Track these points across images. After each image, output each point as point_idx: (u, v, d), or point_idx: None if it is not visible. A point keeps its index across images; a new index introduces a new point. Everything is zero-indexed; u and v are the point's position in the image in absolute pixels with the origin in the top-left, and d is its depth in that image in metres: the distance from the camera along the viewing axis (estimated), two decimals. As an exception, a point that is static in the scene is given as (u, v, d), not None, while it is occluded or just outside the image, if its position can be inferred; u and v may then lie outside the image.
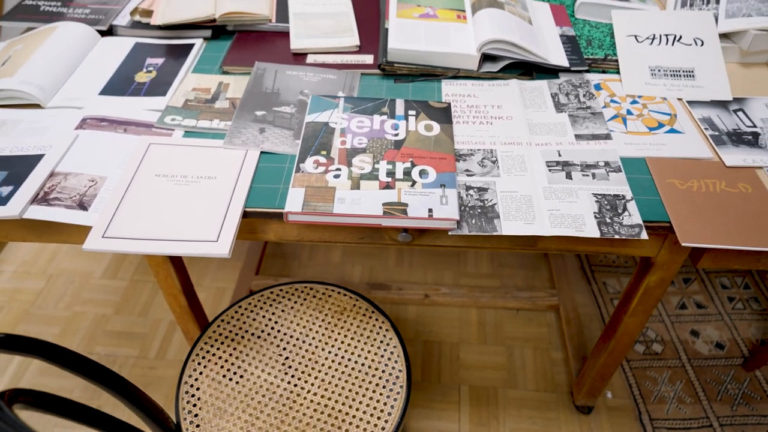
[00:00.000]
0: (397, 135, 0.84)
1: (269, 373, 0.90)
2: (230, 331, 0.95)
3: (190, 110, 0.90)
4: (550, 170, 0.81)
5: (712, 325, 1.49)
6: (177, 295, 1.02)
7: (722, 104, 0.93)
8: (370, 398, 0.86)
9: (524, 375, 1.39)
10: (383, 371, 0.90)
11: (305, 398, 0.87)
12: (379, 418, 0.84)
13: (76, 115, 0.90)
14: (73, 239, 0.82)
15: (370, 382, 0.88)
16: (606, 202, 0.76)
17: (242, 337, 0.94)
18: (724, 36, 1.03)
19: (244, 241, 1.71)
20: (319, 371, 0.90)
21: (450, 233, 0.73)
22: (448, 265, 1.67)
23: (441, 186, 0.76)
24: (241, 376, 0.89)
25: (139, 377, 1.39)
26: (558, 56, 0.99)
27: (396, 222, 0.73)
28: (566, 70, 0.99)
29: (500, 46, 0.94)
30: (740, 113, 0.91)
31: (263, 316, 0.98)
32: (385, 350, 0.92)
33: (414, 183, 0.77)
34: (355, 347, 0.93)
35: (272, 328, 0.96)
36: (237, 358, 0.92)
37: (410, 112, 0.88)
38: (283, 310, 0.98)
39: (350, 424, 0.84)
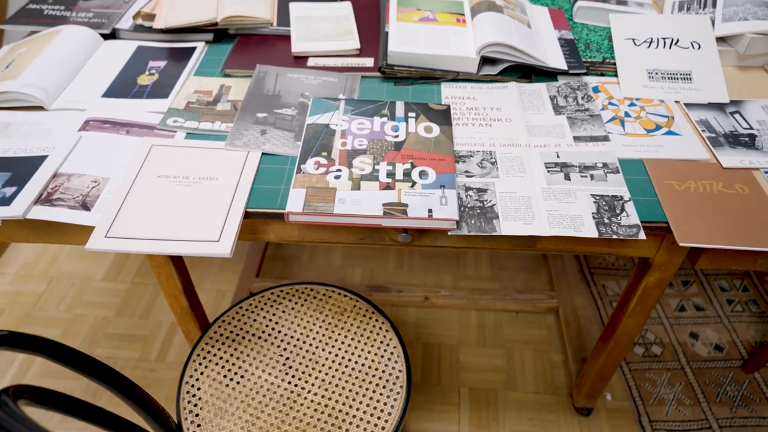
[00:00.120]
0: (397, 137, 0.85)
1: (270, 374, 0.90)
2: (231, 332, 0.96)
3: (192, 112, 0.91)
4: (548, 171, 0.82)
5: (711, 328, 1.50)
6: (178, 296, 1.03)
7: (719, 107, 0.94)
8: (371, 398, 0.87)
9: (524, 377, 1.39)
10: (383, 371, 0.90)
11: (306, 398, 0.87)
12: (379, 418, 0.85)
13: (79, 117, 0.91)
14: (76, 240, 0.83)
15: (370, 383, 0.89)
16: (604, 203, 0.77)
17: (243, 338, 0.95)
18: (720, 39, 1.04)
19: (244, 244, 1.71)
20: (320, 371, 0.90)
21: (449, 233, 0.74)
22: (448, 267, 1.68)
23: (441, 187, 0.77)
24: (242, 377, 0.90)
25: (139, 379, 1.40)
26: (556, 59, 1.00)
27: (396, 222, 0.74)
28: (565, 73, 1.00)
29: (499, 49, 0.95)
30: (737, 115, 0.92)
31: (264, 317, 0.98)
32: (385, 351, 0.93)
33: (414, 184, 0.77)
34: (356, 348, 0.94)
35: (273, 329, 0.96)
36: (238, 358, 0.92)
37: (410, 114, 0.89)
38: (283, 311, 0.99)
39: (350, 423, 0.84)
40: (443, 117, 0.89)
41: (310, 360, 0.92)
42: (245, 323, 0.97)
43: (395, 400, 0.87)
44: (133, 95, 0.95)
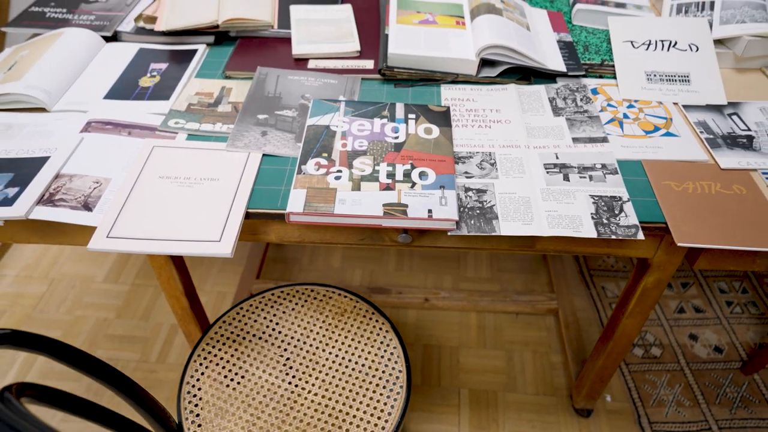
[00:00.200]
0: (397, 138, 0.85)
1: (270, 374, 0.90)
2: (232, 333, 0.96)
3: (193, 114, 0.92)
4: (547, 172, 0.82)
5: (710, 329, 1.50)
6: (179, 297, 1.03)
7: (717, 108, 0.94)
8: (371, 398, 0.87)
9: (524, 378, 1.40)
10: (383, 372, 0.90)
11: (306, 398, 0.87)
12: (379, 417, 0.85)
13: (81, 118, 0.92)
14: (78, 240, 0.83)
15: (370, 383, 0.89)
16: (603, 204, 0.77)
17: (243, 338, 0.95)
18: (718, 42, 1.05)
19: (244, 246, 1.72)
20: (320, 372, 0.91)
21: (449, 234, 0.74)
22: (448, 269, 1.68)
23: (440, 187, 0.78)
24: (243, 377, 0.90)
25: (140, 380, 1.40)
26: (555, 61, 1.01)
27: (396, 222, 0.74)
28: (564, 75, 1.00)
29: (499, 52, 0.96)
30: (735, 117, 0.92)
31: (264, 318, 0.98)
32: (385, 351, 0.93)
33: (414, 184, 0.78)
34: (356, 348, 0.94)
35: (273, 330, 0.97)
36: (238, 359, 0.92)
37: (410, 116, 0.89)
38: (284, 312, 0.99)
39: (350, 423, 0.84)
40: (443, 118, 0.89)
41: (310, 360, 0.92)
42: (246, 324, 0.98)
43: (395, 400, 0.87)
44: (135, 97, 0.96)
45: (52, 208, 0.76)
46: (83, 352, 0.65)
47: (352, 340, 0.95)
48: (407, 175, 0.79)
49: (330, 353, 0.93)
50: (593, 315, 1.55)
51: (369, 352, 0.93)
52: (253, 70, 1.00)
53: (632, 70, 1.00)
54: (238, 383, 0.89)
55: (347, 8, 1.16)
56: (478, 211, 0.76)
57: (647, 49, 1.03)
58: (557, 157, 0.85)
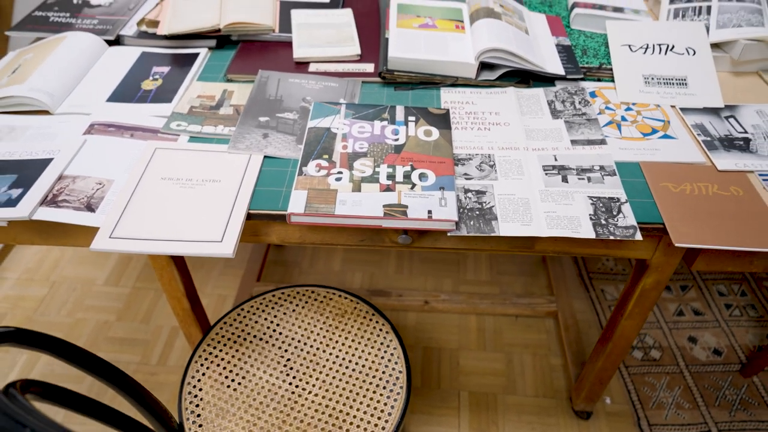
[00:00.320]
0: (397, 140, 0.86)
1: (271, 375, 0.91)
2: (233, 334, 0.97)
3: (195, 116, 0.93)
4: (546, 174, 0.83)
5: (709, 332, 1.51)
6: (180, 299, 1.04)
7: (714, 111, 0.95)
8: (371, 399, 0.88)
9: (523, 381, 1.40)
10: (383, 372, 0.91)
11: (306, 399, 0.88)
12: (379, 418, 0.85)
13: (84, 120, 0.93)
14: (80, 241, 0.84)
15: (370, 383, 0.90)
16: (601, 205, 0.78)
17: (244, 339, 0.96)
18: (715, 46, 1.06)
19: (245, 249, 1.72)
20: (320, 372, 0.91)
21: (449, 234, 0.75)
22: (448, 272, 1.69)
23: (440, 189, 0.78)
24: (244, 377, 0.90)
25: (140, 383, 1.40)
26: (554, 65, 1.02)
27: (396, 223, 0.75)
28: (562, 78, 1.01)
29: (498, 55, 0.97)
30: (732, 120, 0.93)
31: (265, 319, 0.99)
32: (385, 352, 0.94)
33: (414, 186, 0.79)
34: (356, 349, 0.94)
35: (274, 331, 0.97)
36: (239, 359, 0.93)
37: (410, 118, 0.90)
38: (284, 313, 1.00)
39: (351, 424, 0.85)
40: (443, 121, 0.90)
41: (310, 361, 0.93)
42: (246, 325, 0.98)
43: (395, 400, 0.87)
44: (137, 100, 0.97)
45: (56, 208, 0.77)
46: (85, 351, 0.66)
47: (353, 341, 0.95)
48: (407, 176, 0.80)
49: (330, 354, 0.94)
50: (593, 318, 1.55)
51: (369, 353, 0.94)
52: (255, 74, 1.01)
53: (630, 74, 1.01)
54: (239, 384, 0.90)
55: (348, 12, 1.17)
56: (477, 212, 0.77)
57: (645, 52, 1.04)
58: (556, 159, 0.86)
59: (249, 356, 0.93)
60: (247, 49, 1.08)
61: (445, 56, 0.98)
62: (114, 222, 0.75)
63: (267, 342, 0.95)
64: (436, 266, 1.70)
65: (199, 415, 0.86)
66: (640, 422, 1.31)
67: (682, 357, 1.44)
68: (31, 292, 1.61)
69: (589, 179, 0.82)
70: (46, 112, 0.95)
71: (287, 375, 0.91)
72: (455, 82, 1.00)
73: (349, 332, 0.97)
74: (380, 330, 0.97)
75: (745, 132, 0.91)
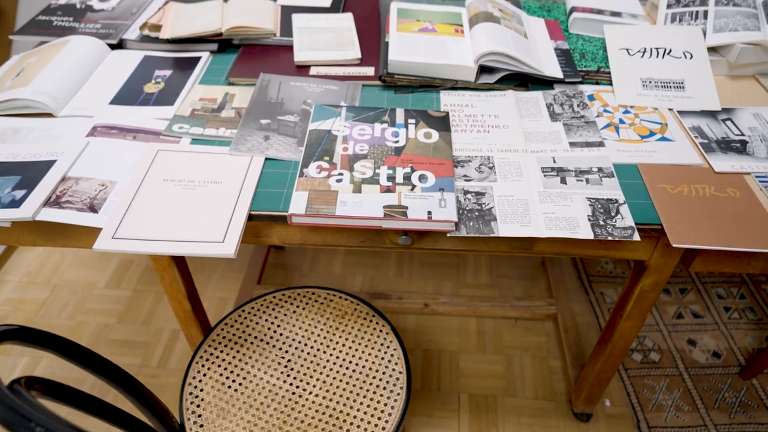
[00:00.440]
0: (397, 142, 0.87)
1: (272, 375, 0.91)
2: (233, 335, 0.97)
3: (197, 119, 0.94)
4: (545, 176, 0.84)
5: (708, 335, 1.51)
6: (182, 300, 1.04)
7: (711, 114, 0.96)
8: (371, 399, 0.88)
9: (523, 383, 1.40)
10: (383, 373, 0.91)
11: (307, 400, 0.88)
12: (379, 419, 0.86)
13: (87, 123, 0.93)
14: (83, 242, 0.84)
15: (370, 384, 0.90)
16: (599, 206, 0.79)
17: (245, 340, 0.96)
18: (712, 49, 1.07)
19: (246, 252, 1.73)
20: (321, 373, 0.92)
21: (448, 235, 0.76)
22: (448, 275, 1.69)
23: (440, 190, 0.79)
24: (244, 378, 0.91)
25: (141, 385, 1.40)
26: (552, 68, 1.03)
27: (396, 224, 0.76)
28: (561, 82, 1.02)
29: (497, 58, 0.98)
30: (728, 122, 0.94)
31: (266, 320, 0.99)
32: (385, 353, 0.94)
33: (414, 187, 0.79)
34: (356, 350, 0.95)
35: (275, 332, 0.98)
36: (240, 360, 0.93)
37: (410, 121, 0.91)
38: (285, 315, 1.00)
39: (351, 424, 0.85)
40: (442, 123, 0.91)
41: (311, 362, 0.93)
42: (247, 326, 0.99)
43: (395, 401, 0.88)
44: (140, 102, 0.98)
45: (59, 209, 0.77)
46: (88, 350, 0.66)
47: (353, 342, 0.96)
48: (407, 178, 0.81)
49: (331, 355, 0.94)
50: (592, 320, 1.55)
51: (369, 354, 0.94)
52: (256, 77, 1.02)
53: (628, 77, 1.02)
54: (240, 384, 0.90)
55: (348, 17, 1.18)
56: (476, 213, 0.78)
57: (642, 56, 1.05)
58: (554, 161, 0.86)
59: (250, 357, 0.94)
60: (248, 53, 1.09)
61: (444, 60, 0.99)
62: (117, 223, 0.76)
63: (267, 343, 0.96)
64: (436, 269, 1.71)
65: (200, 416, 0.86)
66: (639, 424, 1.31)
67: (682, 359, 1.45)
68: (32, 295, 1.61)
69: (587, 181, 0.83)
70: (49, 115, 0.96)
71: (288, 376, 0.91)
72: (455, 86, 1.01)
73: (350, 333, 0.97)
74: (380, 331, 0.98)
75: (742, 134, 0.92)
